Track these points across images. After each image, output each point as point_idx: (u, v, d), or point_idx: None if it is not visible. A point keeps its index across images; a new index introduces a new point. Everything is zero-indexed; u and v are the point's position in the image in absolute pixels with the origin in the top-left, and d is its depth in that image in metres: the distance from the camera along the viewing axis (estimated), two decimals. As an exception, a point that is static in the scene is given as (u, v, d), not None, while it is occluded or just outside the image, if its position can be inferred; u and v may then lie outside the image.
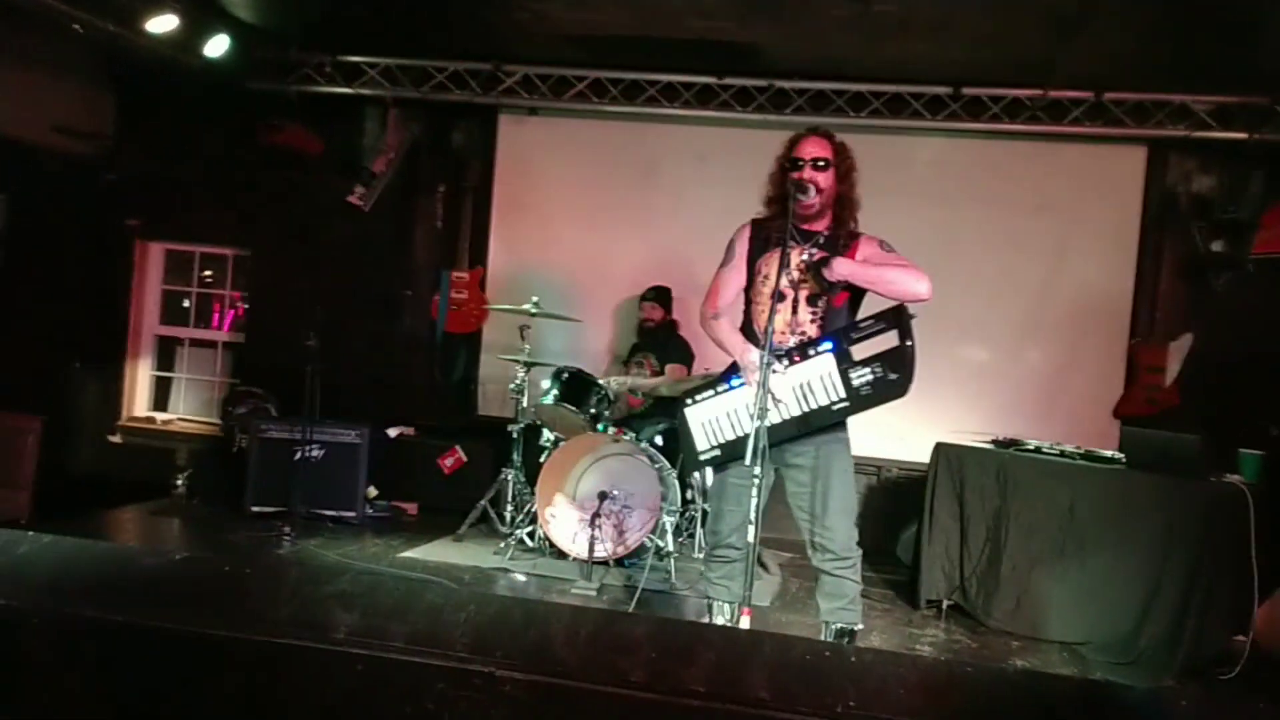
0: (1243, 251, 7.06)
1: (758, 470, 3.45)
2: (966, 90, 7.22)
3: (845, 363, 3.79)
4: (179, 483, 7.61)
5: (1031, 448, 6.06)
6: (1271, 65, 6.36)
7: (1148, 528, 5.49)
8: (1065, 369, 7.53)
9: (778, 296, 3.77)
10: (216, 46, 7.13)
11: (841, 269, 3.84)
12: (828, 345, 3.82)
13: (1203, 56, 6.43)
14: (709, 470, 5.32)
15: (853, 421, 4.00)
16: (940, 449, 6.15)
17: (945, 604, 5.98)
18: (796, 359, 3.84)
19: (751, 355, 3.85)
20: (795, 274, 3.93)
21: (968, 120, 7.30)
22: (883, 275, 3.86)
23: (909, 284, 3.85)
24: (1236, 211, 7.04)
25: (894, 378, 3.75)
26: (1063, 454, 5.95)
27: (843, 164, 4.01)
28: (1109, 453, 5.88)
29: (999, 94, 7.20)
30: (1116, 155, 7.45)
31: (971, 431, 6.60)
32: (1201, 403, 7.06)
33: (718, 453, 4.00)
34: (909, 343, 3.75)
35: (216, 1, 6.95)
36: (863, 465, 7.55)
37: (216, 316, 9.02)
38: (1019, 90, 7.13)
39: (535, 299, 6.66)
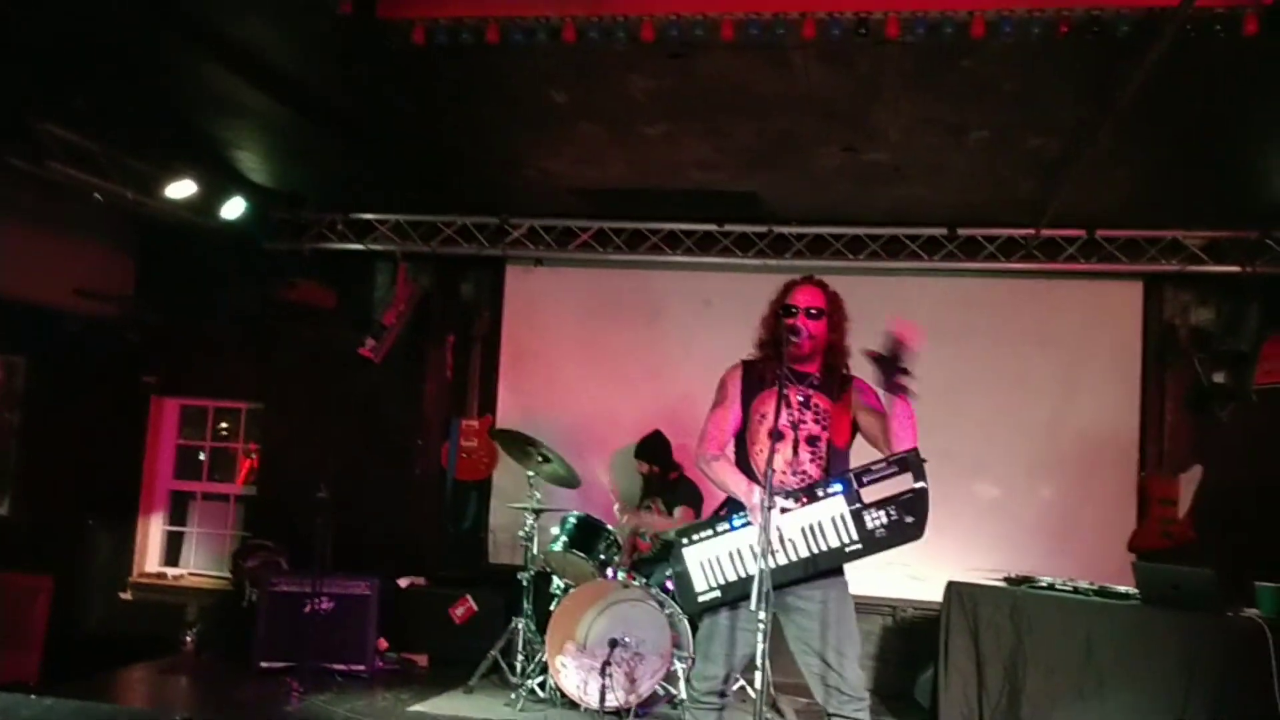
0: (1245, 383, 7.11)
1: (763, 615, 3.40)
2: (961, 230, 7.40)
3: (858, 504, 3.76)
4: (188, 638, 7.56)
5: (1045, 585, 6.01)
6: (1258, 200, 6.52)
7: (1167, 666, 5.39)
8: (1076, 504, 7.49)
9: (776, 436, 3.80)
10: (233, 209, 7.37)
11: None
12: (838, 486, 3.79)
13: (1191, 193, 6.60)
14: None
15: (867, 560, 3.97)
16: (953, 588, 6.10)
17: (966, 749, 5.84)
18: (805, 500, 3.81)
19: (756, 495, 3.83)
20: (795, 414, 3.97)
21: (964, 260, 7.46)
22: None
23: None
24: (1236, 344, 7.10)
25: (910, 521, 3.73)
26: (1076, 590, 5.90)
27: (835, 313, 4.08)
28: (1123, 588, 5.83)
29: (993, 234, 7.37)
30: (1113, 290, 7.58)
31: (984, 569, 6.55)
32: (1216, 535, 7.00)
33: (718, 594, 3.87)
34: (923, 485, 3.76)
35: (233, 166, 7.23)
36: (876, 605, 7.47)
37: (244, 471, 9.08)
38: (1012, 230, 7.30)
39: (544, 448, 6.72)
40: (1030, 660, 5.69)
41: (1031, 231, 7.18)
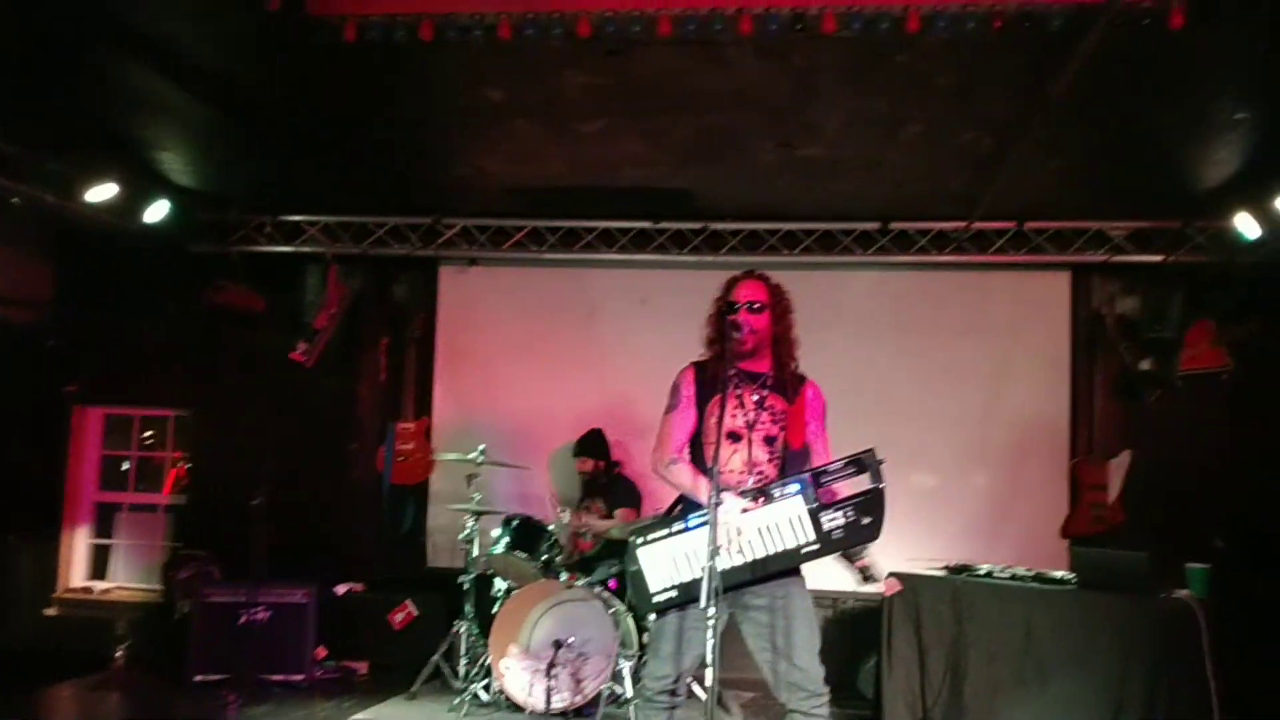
0: (1171, 370, 7.29)
1: (712, 611, 3.38)
2: (894, 225, 7.50)
3: (815, 505, 3.76)
4: (119, 654, 7.36)
5: (984, 572, 6.08)
6: (1181, 191, 6.67)
7: (1104, 649, 5.48)
8: (1011, 491, 7.62)
9: (733, 437, 3.79)
10: (156, 212, 7.19)
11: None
12: (796, 487, 3.78)
13: (1117, 185, 6.75)
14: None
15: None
16: (894, 578, 6.14)
17: (911, 737, 5.89)
18: (761, 500, 3.79)
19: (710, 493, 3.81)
20: (750, 414, 3.97)
21: (897, 254, 7.55)
22: None
23: None
24: (1161, 332, 7.27)
25: (866, 522, 3.73)
26: (1014, 577, 5.98)
27: (778, 305, 4.08)
28: (1059, 574, 5.92)
29: (925, 227, 7.47)
30: (1042, 281, 7.72)
31: (924, 559, 6.61)
32: (1146, 518, 7.19)
33: (674, 594, 3.84)
34: (880, 485, 3.77)
35: (157, 168, 7.03)
36: (818, 597, 7.42)
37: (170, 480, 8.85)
38: (944, 223, 7.41)
39: (482, 447, 6.65)
40: (972, 647, 5.74)
41: (963, 225, 7.28)
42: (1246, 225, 6.42)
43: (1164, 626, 5.42)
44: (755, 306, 4.02)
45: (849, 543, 3.76)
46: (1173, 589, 5.71)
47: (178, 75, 5.33)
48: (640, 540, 3.92)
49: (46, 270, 8.44)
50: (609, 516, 6.97)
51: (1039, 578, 5.94)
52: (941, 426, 7.72)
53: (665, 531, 3.90)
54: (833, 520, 3.74)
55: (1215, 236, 6.99)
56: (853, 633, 7.39)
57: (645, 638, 6.48)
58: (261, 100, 5.84)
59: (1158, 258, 7.23)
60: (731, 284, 4.13)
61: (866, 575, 4.09)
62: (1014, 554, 6.74)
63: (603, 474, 7.18)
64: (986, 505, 7.64)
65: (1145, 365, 7.50)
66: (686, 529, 3.86)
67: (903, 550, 6.84)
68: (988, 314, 7.77)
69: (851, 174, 6.61)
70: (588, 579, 6.31)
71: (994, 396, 7.69)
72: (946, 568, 6.28)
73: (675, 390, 4.12)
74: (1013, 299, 7.74)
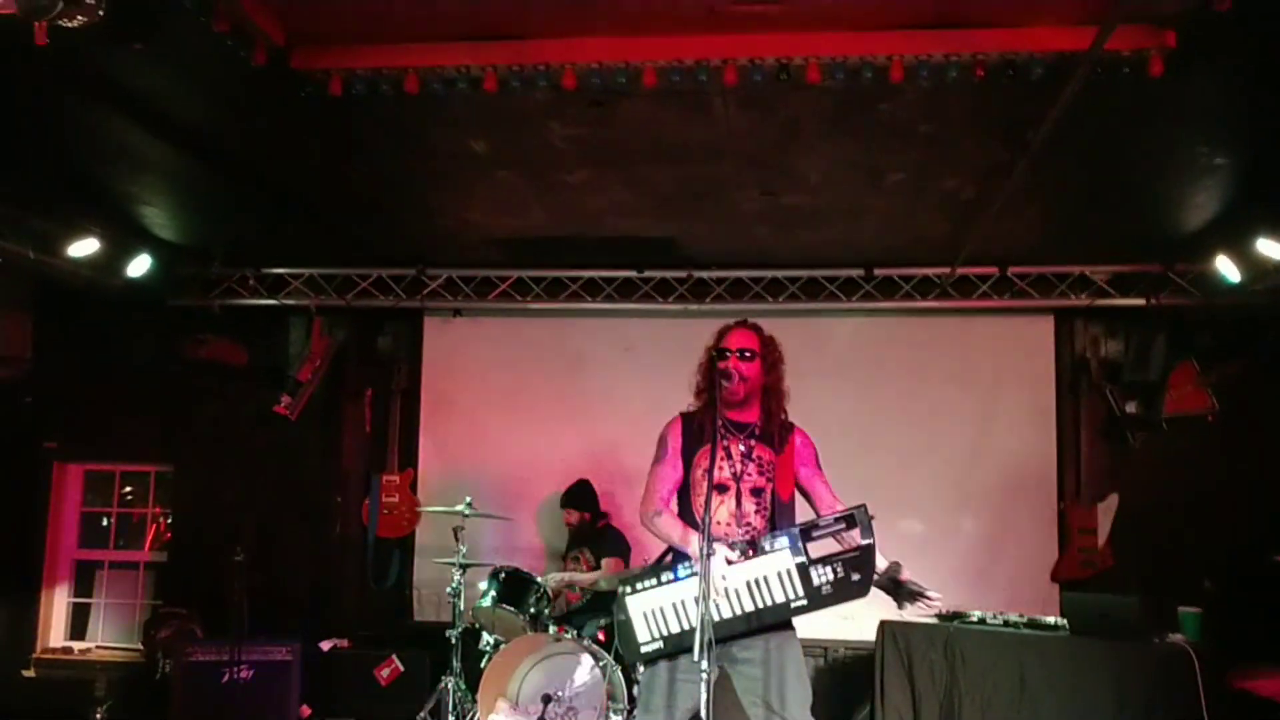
0: (1155, 412, 7.31)
1: (705, 665, 3.34)
2: (878, 271, 7.53)
3: (804, 559, 3.74)
4: (99, 715, 7.22)
5: (975, 619, 6.06)
6: (1161, 234, 6.73)
7: (1099, 695, 5.46)
8: (1000, 536, 7.59)
9: (720, 489, 3.77)
10: (138, 266, 7.15)
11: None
12: (785, 541, 3.77)
13: (1099, 229, 6.79)
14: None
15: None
16: (885, 626, 6.12)
17: (906, 788, 5.83)
18: (751, 553, 3.77)
19: (697, 544, 3.76)
20: (736, 465, 3.96)
21: (881, 299, 7.58)
22: None
23: None
24: (1145, 374, 7.30)
25: (856, 579, 3.73)
26: (1006, 624, 5.96)
27: (769, 355, 4.09)
28: (1051, 619, 5.90)
29: (909, 273, 7.51)
30: (1026, 325, 7.74)
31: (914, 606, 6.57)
32: (1136, 562, 7.18)
33: (661, 645, 3.82)
34: (870, 541, 3.75)
35: (139, 222, 7.00)
36: (809, 647, 7.41)
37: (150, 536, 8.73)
38: (928, 269, 7.45)
39: (468, 499, 6.59)
40: (965, 695, 5.71)
41: (947, 270, 7.31)
42: (1227, 268, 6.47)
43: (1158, 671, 5.41)
44: (746, 354, 4.03)
45: (838, 599, 3.76)
46: (1165, 633, 5.70)
47: (161, 129, 5.31)
48: (629, 590, 3.90)
49: (24, 324, 8.35)
50: (595, 567, 6.91)
51: (1031, 624, 5.92)
52: (928, 472, 7.70)
53: (654, 581, 3.88)
54: (822, 576, 3.74)
55: (1196, 279, 7.04)
56: (844, 682, 7.33)
57: (635, 690, 6.40)
58: (245, 154, 5.83)
59: (1140, 301, 7.27)
60: (723, 332, 4.14)
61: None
62: (1004, 599, 6.72)
63: (589, 525, 7.13)
64: (975, 550, 7.61)
65: (1130, 408, 7.52)
66: (676, 579, 3.84)
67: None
68: (972, 358, 7.77)
69: (835, 221, 6.64)
70: (576, 632, 6.23)
71: (980, 441, 7.68)
72: (938, 615, 6.23)
73: (662, 441, 4.12)
74: (997, 343, 7.76)
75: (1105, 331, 7.64)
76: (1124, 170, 5.68)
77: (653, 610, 3.84)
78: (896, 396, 7.79)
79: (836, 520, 3.80)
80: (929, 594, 4.00)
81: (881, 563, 3.93)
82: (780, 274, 7.61)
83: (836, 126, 5.10)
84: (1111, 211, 6.43)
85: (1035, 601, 6.89)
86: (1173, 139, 5.18)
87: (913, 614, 6.12)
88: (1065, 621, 5.85)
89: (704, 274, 7.67)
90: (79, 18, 3.43)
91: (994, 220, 6.08)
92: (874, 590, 5.90)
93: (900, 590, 4.01)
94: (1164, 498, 7.31)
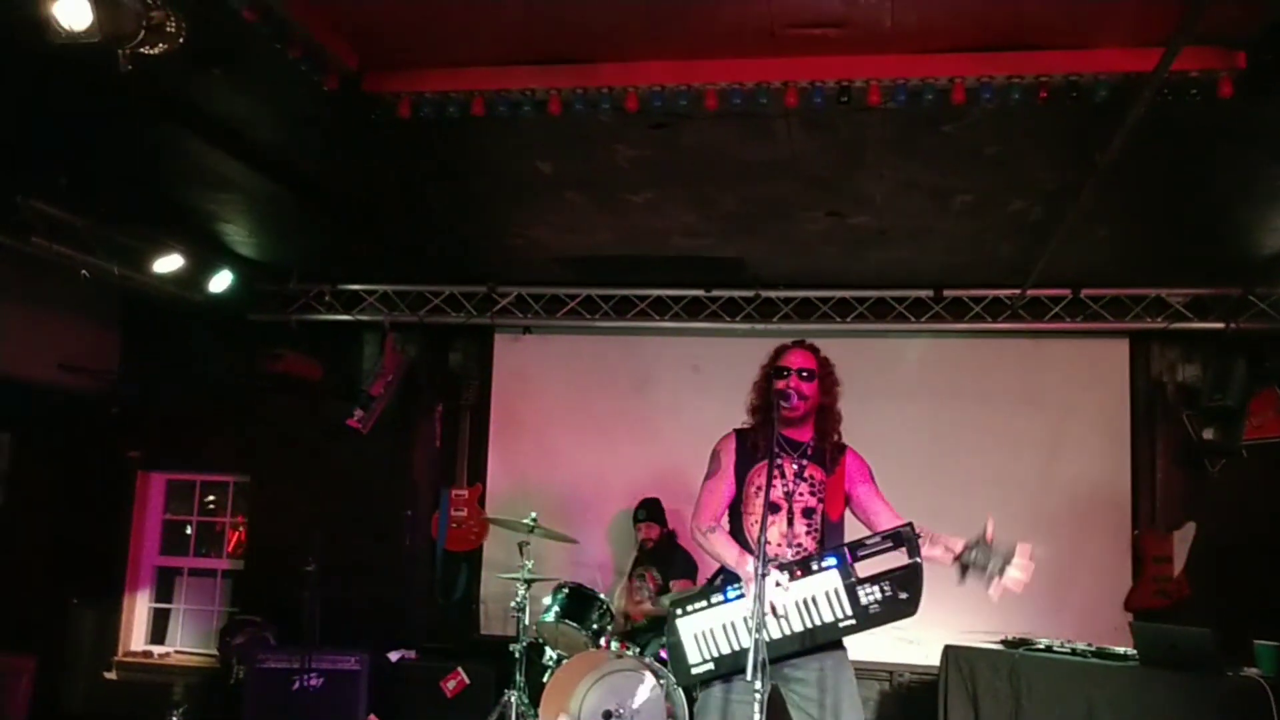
0: (1234, 439, 7.11)
1: (759, 685, 3.34)
2: (948, 292, 7.46)
3: (851, 579, 3.73)
4: (174, 719, 7.40)
5: (1042, 646, 5.96)
6: (1240, 257, 6.58)
7: (1168, 728, 5.33)
8: (1070, 563, 7.42)
9: (771, 508, 3.78)
10: (220, 282, 7.36)
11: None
12: (832, 561, 3.76)
13: (1173, 251, 6.67)
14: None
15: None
16: (950, 652, 6.04)
17: (969, 818, 5.74)
18: (799, 573, 3.77)
19: (750, 565, 3.77)
20: (789, 484, 3.96)
21: (951, 321, 7.50)
22: None
23: None
24: (1224, 400, 7.11)
25: (904, 597, 3.70)
26: (1074, 652, 5.85)
27: (826, 376, 4.09)
28: (1121, 649, 5.78)
29: (979, 294, 7.42)
30: (1100, 348, 7.60)
31: (980, 631, 6.49)
32: (1212, 592, 6.98)
33: (711, 666, 3.83)
34: (917, 560, 3.73)
35: (220, 240, 7.24)
36: (874, 671, 7.40)
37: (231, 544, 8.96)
38: (998, 290, 7.35)
39: (533, 514, 6.66)
40: (1030, 725, 5.62)
41: (1017, 291, 7.21)
42: (1309, 293, 6.30)
43: (1231, 705, 5.26)
44: (805, 374, 4.04)
45: (886, 618, 3.72)
46: (1240, 666, 5.54)
47: (239, 150, 5.49)
48: (680, 611, 3.92)
49: (112, 338, 8.66)
50: (664, 586, 6.94)
51: (1100, 653, 5.80)
52: (998, 496, 7.56)
53: (705, 603, 3.90)
54: (870, 595, 3.72)
55: (1278, 304, 6.86)
56: (908, 707, 7.26)
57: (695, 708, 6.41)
58: (319, 174, 6.01)
59: (1219, 325, 7.10)
60: (780, 351, 4.15)
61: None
62: (1075, 627, 6.60)
63: (663, 541, 7.17)
64: (1046, 577, 7.28)
65: (1208, 434, 7.35)
66: (726, 600, 3.86)
67: (959, 623, 6.75)
68: (1044, 381, 7.65)
69: (902, 242, 6.61)
70: (638, 649, 6.26)
71: (1052, 466, 7.55)
72: (1004, 641, 6.15)
73: (715, 457, 4.13)
74: (1070, 366, 7.62)
75: (1182, 356, 7.49)
76: (1197, 192, 5.56)
77: (703, 631, 3.86)
78: (966, 419, 7.69)
79: (883, 539, 3.78)
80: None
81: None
82: (848, 294, 7.58)
83: (900, 148, 5.09)
84: (1187, 234, 6.32)
85: (1108, 631, 6.73)
86: (1247, 161, 5.08)
87: (977, 640, 6.07)
88: (1135, 651, 5.72)
89: (772, 294, 7.67)
90: (160, 45, 3.60)
91: (1065, 242, 5.99)
92: (940, 616, 5.87)
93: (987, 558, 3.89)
94: (1243, 527, 7.12)
